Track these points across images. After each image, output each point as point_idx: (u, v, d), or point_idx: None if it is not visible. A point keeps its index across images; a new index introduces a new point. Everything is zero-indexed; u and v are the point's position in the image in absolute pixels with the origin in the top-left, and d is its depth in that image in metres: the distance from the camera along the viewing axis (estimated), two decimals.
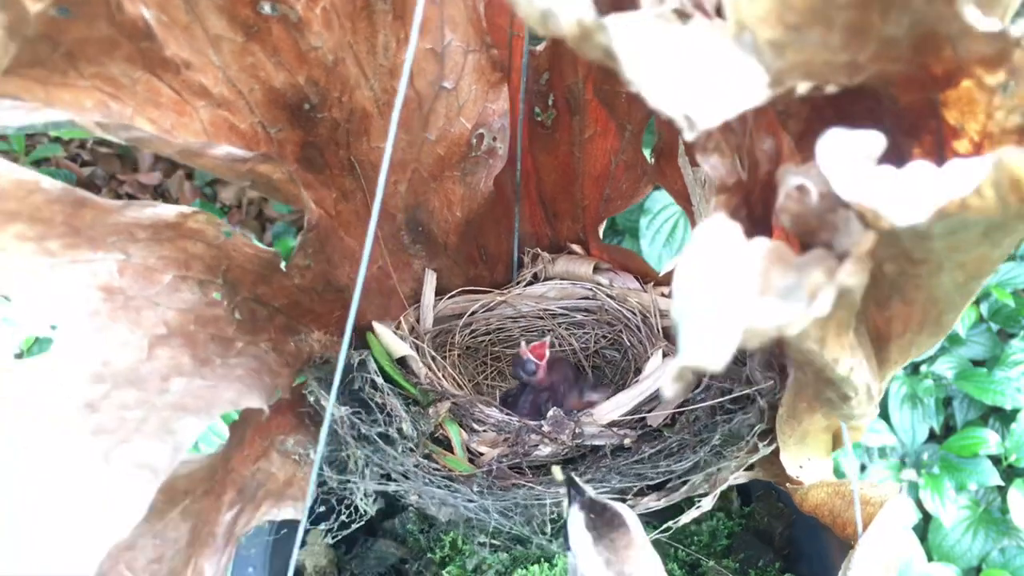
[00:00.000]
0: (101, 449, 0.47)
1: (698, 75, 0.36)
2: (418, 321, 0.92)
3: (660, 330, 0.92)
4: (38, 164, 2.16)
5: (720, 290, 0.32)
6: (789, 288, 0.33)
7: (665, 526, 0.76)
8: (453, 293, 0.95)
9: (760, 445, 0.75)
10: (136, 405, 0.52)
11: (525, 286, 0.99)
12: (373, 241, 0.83)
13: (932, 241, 0.45)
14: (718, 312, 0.31)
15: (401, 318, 0.90)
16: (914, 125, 0.47)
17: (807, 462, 0.79)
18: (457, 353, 0.95)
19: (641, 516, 0.77)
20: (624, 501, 0.74)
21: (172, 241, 0.60)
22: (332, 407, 0.62)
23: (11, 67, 0.47)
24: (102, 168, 2.19)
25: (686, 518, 0.75)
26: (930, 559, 1.42)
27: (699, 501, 0.74)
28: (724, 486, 0.74)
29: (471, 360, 0.99)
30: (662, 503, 0.73)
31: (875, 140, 0.31)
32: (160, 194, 2.19)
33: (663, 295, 0.95)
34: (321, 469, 0.74)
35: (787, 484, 0.77)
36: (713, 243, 0.36)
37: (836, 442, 0.81)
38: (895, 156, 0.53)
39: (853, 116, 0.52)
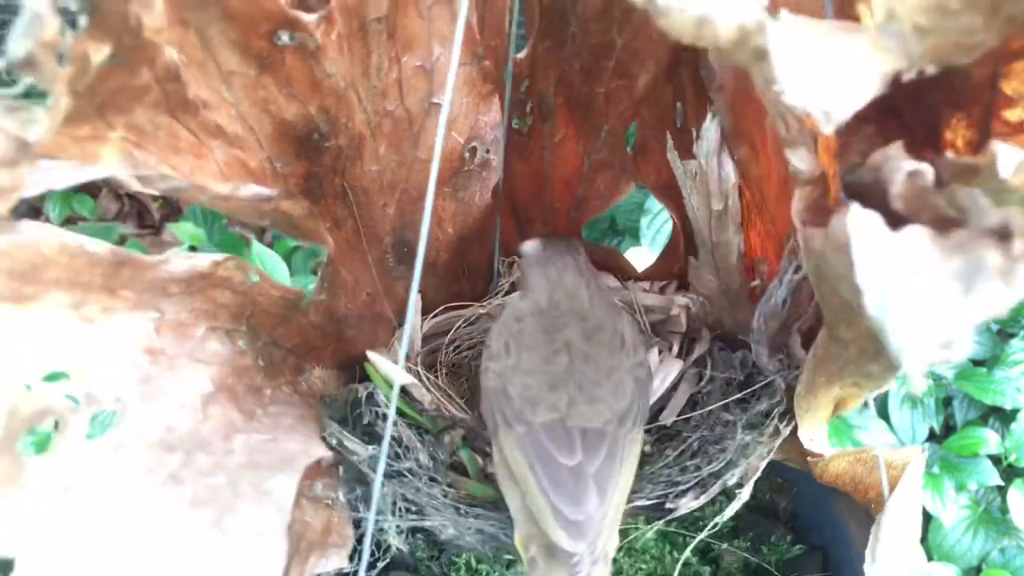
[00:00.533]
0: (207, 521, 0.44)
1: (835, 71, 0.36)
2: (408, 344, 0.90)
3: (648, 327, 0.92)
4: None
5: (918, 282, 0.32)
6: (965, 271, 0.34)
7: (712, 523, 0.76)
8: (437, 311, 0.93)
9: (781, 427, 0.77)
10: (213, 470, 0.49)
11: (504, 296, 0.98)
12: (363, 270, 0.81)
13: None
14: (942, 305, 0.31)
15: (393, 342, 0.88)
16: (969, 98, 0.49)
17: (815, 434, 0.81)
18: (445, 372, 0.94)
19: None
20: (663, 506, 0.75)
21: (202, 292, 0.57)
22: (386, 445, 0.60)
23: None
24: None
25: (729, 512, 0.76)
26: (930, 559, 1.43)
27: (737, 492, 0.75)
28: (757, 474, 0.75)
29: (458, 377, 0.97)
30: (702, 500, 0.74)
31: None
32: (160, 195, 2.07)
33: (644, 291, 0.95)
34: (356, 510, 0.72)
35: (808, 458, 0.79)
36: (872, 235, 0.36)
37: (837, 409, 0.83)
38: (930, 125, 0.55)
39: (894, 95, 0.53)
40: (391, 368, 0.84)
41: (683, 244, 0.91)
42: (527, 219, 0.96)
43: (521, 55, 0.78)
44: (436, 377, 0.90)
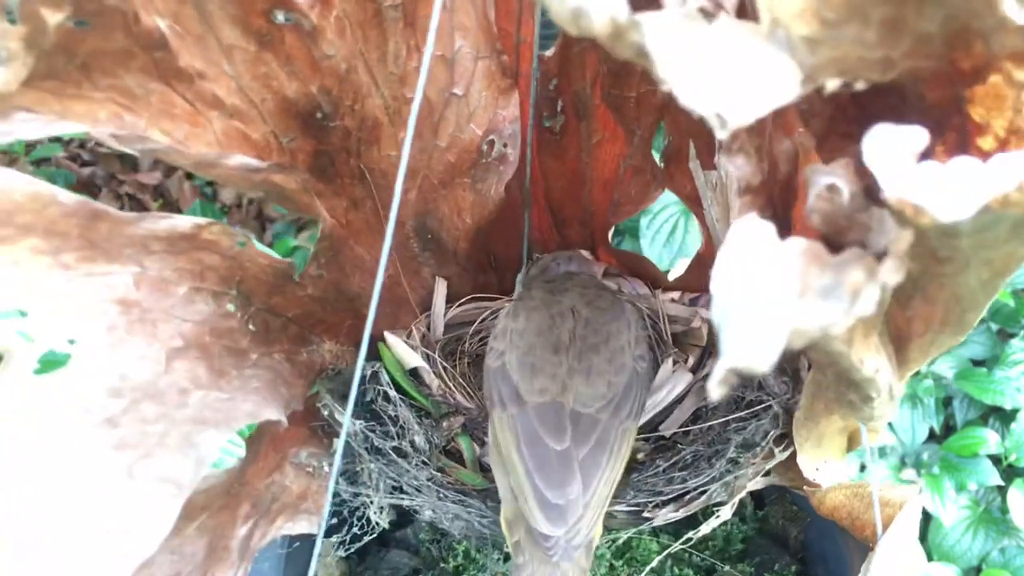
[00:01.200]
0: (124, 464, 0.46)
1: (730, 73, 0.36)
2: (428, 330, 0.92)
3: (670, 336, 0.91)
4: (38, 164, 2.15)
5: (762, 291, 0.32)
6: (828, 288, 0.33)
7: (685, 537, 0.75)
8: (463, 300, 0.95)
9: (776, 450, 0.75)
10: (156, 419, 0.51)
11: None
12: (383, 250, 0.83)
13: (959, 239, 0.45)
14: (762, 313, 0.30)
15: (412, 327, 0.90)
16: (938, 122, 0.47)
17: (823, 464, 0.79)
18: (467, 361, 0.95)
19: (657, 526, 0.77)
20: (640, 514, 0.74)
21: (187, 253, 0.60)
22: (348, 420, 0.61)
23: (26, 79, 0.46)
24: (102, 168, 2.19)
25: (706, 528, 0.74)
26: (930, 559, 1.41)
27: (718, 510, 0.73)
28: (742, 494, 0.74)
29: (480, 368, 0.98)
30: (680, 514, 0.73)
31: (919, 136, 0.31)
32: (160, 194, 2.19)
33: (672, 301, 0.94)
34: (337, 482, 0.74)
35: (804, 487, 0.76)
36: (748, 243, 0.36)
37: (851, 443, 0.80)
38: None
39: (875, 114, 0.51)
40: (406, 350, 0.86)
41: (712, 255, 0.89)
42: (563, 219, 0.96)
43: (549, 53, 0.78)
44: (454, 366, 0.91)
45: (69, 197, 0.51)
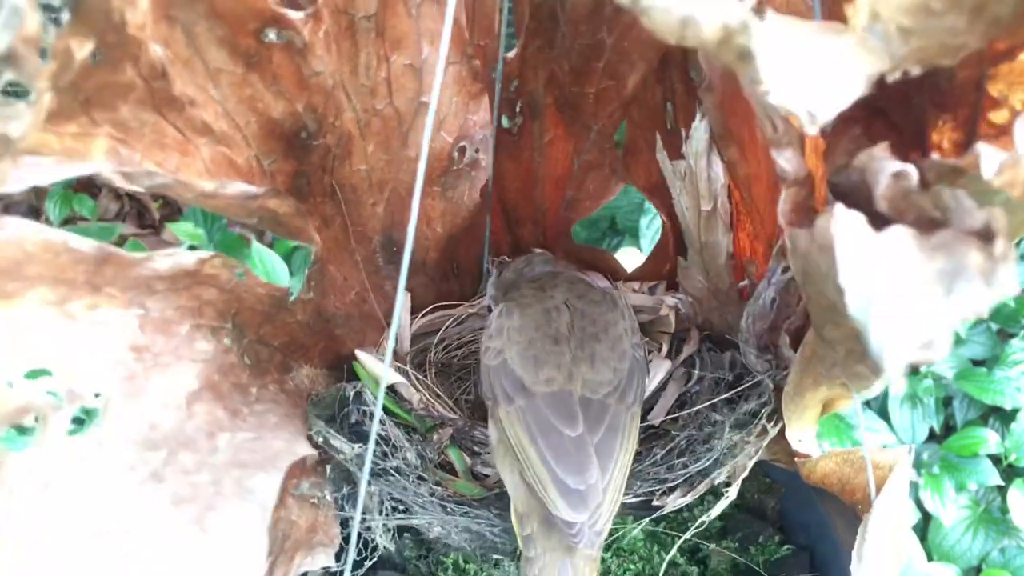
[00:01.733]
0: (189, 519, 0.43)
1: (817, 70, 0.37)
2: (397, 342, 0.90)
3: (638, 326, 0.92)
4: None
5: (901, 282, 0.32)
6: (947, 271, 0.34)
7: (699, 522, 0.77)
8: (426, 311, 0.93)
9: (768, 427, 0.77)
10: (197, 468, 0.49)
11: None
12: (351, 268, 0.81)
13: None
14: (923, 306, 0.31)
15: (381, 342, 0.88)
16: (955, 99, 0.49)
17: (803, 434, 0.81)
18: (434, 371, 0.93)
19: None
20: (650, 503, 0.75)
21: (188, 289, 0.57)
22: (372, 450, 0.59)
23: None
24: None
25: (716, 511, 0.76)
26: (930, 559, 1.43)
27: (725, 491, 0.75)
28: (745, 473, 0.75)
29: (447, 376, 0.97)
30: (689, 498, 0.74)
31: None
32: (160, 195, 2.07)
33: (634, 291, 0.95)
34: (342, 509, 0.72)
35: (795, 459, 0.79)
36: (855, 236, 0.36)
37: (825, 410, 0.83)
38: (917, 127, 0.55)
39: (881, 96, 0.53)
40: (379, 367, 0.84)
41: (673, 244, 0.91)
42: (517, 219, 0.96)
43: (511, 54, 0.77)
44: (425, 376, 0.90)
45: (79, 243, 0.48)
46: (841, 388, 0.74)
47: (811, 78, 0.36)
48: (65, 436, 0.44)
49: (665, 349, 0.88)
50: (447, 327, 0.95)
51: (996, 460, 1.47)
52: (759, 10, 0.42)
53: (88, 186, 1.99)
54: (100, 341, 0.50)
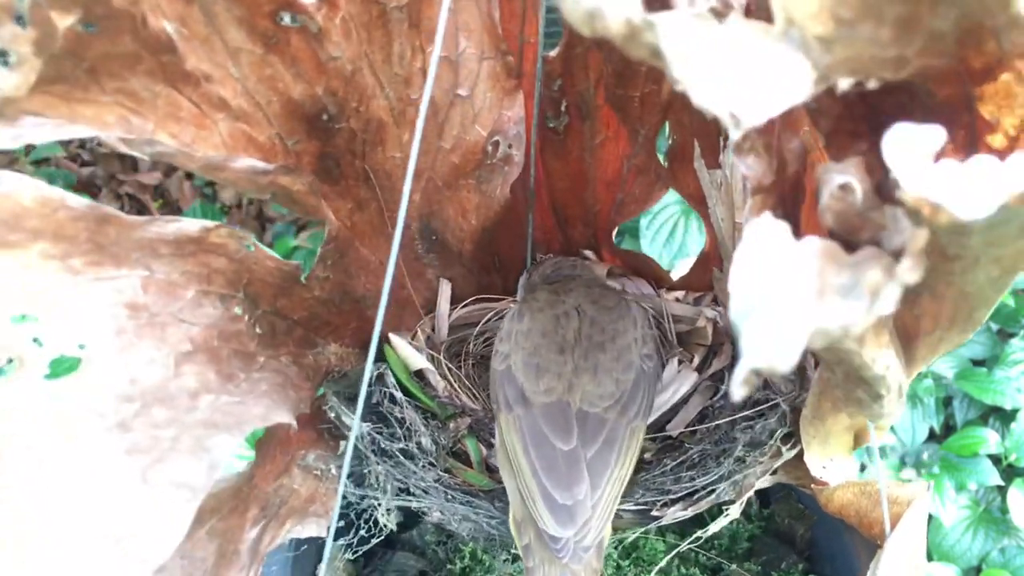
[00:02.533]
0: (138, 468, 0.46)
1: (744, 73, 0.36)
2: (433, 331, 0.92)
3: (674, 336, 0.91)
4: (38, 164, 2.15)
5: (781, 291, 0.32)
6: (847, 287, 0.33)
7: (695, 536, 0.75)
8: (467, 302, 0.95)
9: (783, 449, 0.75)
10: (167, 424, 0.51)
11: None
12: (387, 252, 0.82)
13: (970, 237, 0.45)
14: (783, 314, 0.30)
15: (417, 328, 0.90)
16: (947, 120, 0.47)
17: (830, 462, 0.79)
18: (471, 363, 0.95)
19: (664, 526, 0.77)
20: (649, 513, 0.74)
21: (194, 256, 0.60)
22: (358, 422, 0.61)
23: (35, 84, 0.46)
24: (102, 168, 2.19)
25: (715, 527, 0.74)
26: (930, 559, 1.41)
27: (726, 509, 0.73)
28: (750, 492, 0.74)
29: (485, 369, 0.98)
30: (689, 512, 0.73)
31: (938, 134, 0.31)
32: (160, 194, 2.19)
33: (677, 300, 0.94)
34: (353, 486, 0.74)
35: (812, 485, 0.76)
36: (764, 243, 0.36)
37: (858, 440, 0.80)
38: None
39: (884, 113, 0.51)
40: (410, 352, 0.86)
41: (716, 255, 0.89)
42: (567, 218, 0.96)
43: (553, 53, 0.78)
44: (459, 367, 0.91)
45: (77, 201, 0.51)
46: (860, 416, 0.71)
47: (736, 80, 0.36)
48: (41, 379, 0.48)
49: (697, 361, 0.86)
50: (488, 320, 0.96)
51: (996, 460, 1.47)
52: (721, 11, 0.41)
53: (88, 185, 2.10)
54: (96, 296, 0.53)
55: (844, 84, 0.38)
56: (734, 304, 0.33)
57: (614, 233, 0.96)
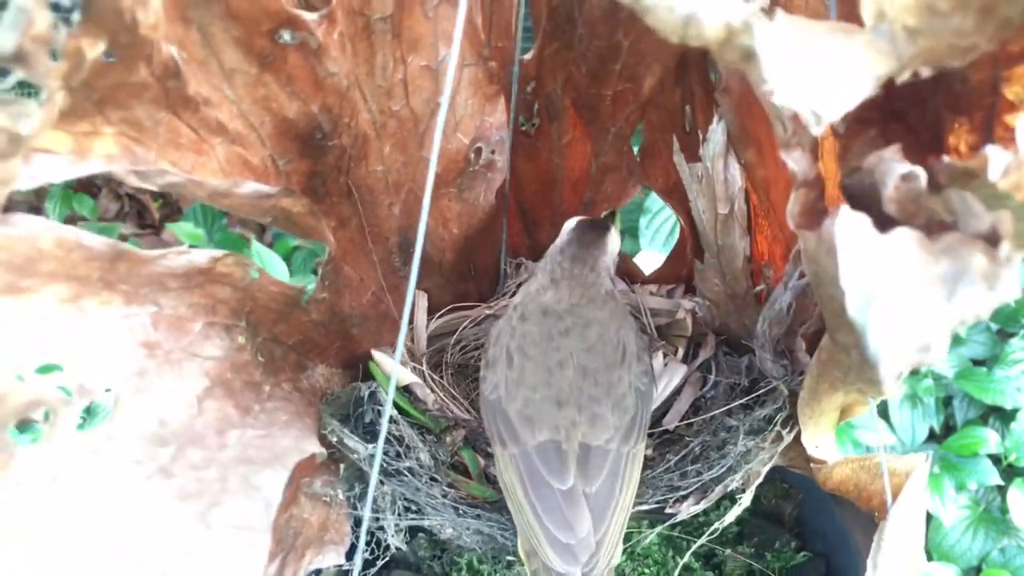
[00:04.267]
0: (194, 514, 0.44)
1: (823, 70, 0.36)
2: (412, 342, 0.90)
3: (654, 330, 0.92)
4: None
5: (904, 286, 0.32)
6: (951, 274, 0.34)
7: (712, 529, 0.76)
8: (443, 311, 0.94)
9: (783, 432, 0.76)
10: (205, 464, 0.49)
11: (511, 297, 0.98)
12: (368, 269, 0.81)
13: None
14: (921, 309, 0.31)
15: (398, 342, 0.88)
16: (970, 102, 0.49)
17: (821, 440, 0.81)
18: (451, 372, 0.94)
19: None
20: (663, 511, 0.75)
21: (201, 287, 0.57)
22: (381, 446, 0.60)
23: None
24: None
25: (730, 517, 0.75)
26: (930, 559, 1.42)
27: (739, 498, 0.75)
28: (759, 479, 0.75)
29: (464, 377, 0.97)
30: (702, 505, 0.74)
31: None
32: (160, 194, 2.10)
33: (651, 294, 0.95)
34: (354, 508, 0.72)
35: (811, 464, 0.78)
36: (859, 238, 0.36)
37: (843, 416, 0.82)
38: (933, 130, 0.55)
39: (898, 99, 0.53)
40: (394, 366, 0.84)
41: (691, 247, 0.91)
42: (535, 220, 0.96)
43: (528, 56, 0.78)
44: (441, 377, 0.90)
45: (93, 240, 0.49)
46: (857, 394, 0.73)
47: (816, 78, 0.36)
48: (74, 431, 0.45)
49: (681, 353, 0.87)
50: (464, 328, 0.95)
51: (996, 460, 1.47)
52: (768, 10, 0.41)
53: (88, 186, 2.02)
54: (112, 337, 0.51)
55: (904, 76, 0.39)
56: (851, 302, 0.33)
57: None
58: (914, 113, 0.53)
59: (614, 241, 0.81)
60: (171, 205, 2.10)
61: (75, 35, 0.39)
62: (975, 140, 0.52)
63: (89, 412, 0.46)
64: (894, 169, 0.41)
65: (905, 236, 0.35)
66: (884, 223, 0.40)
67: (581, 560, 0.65)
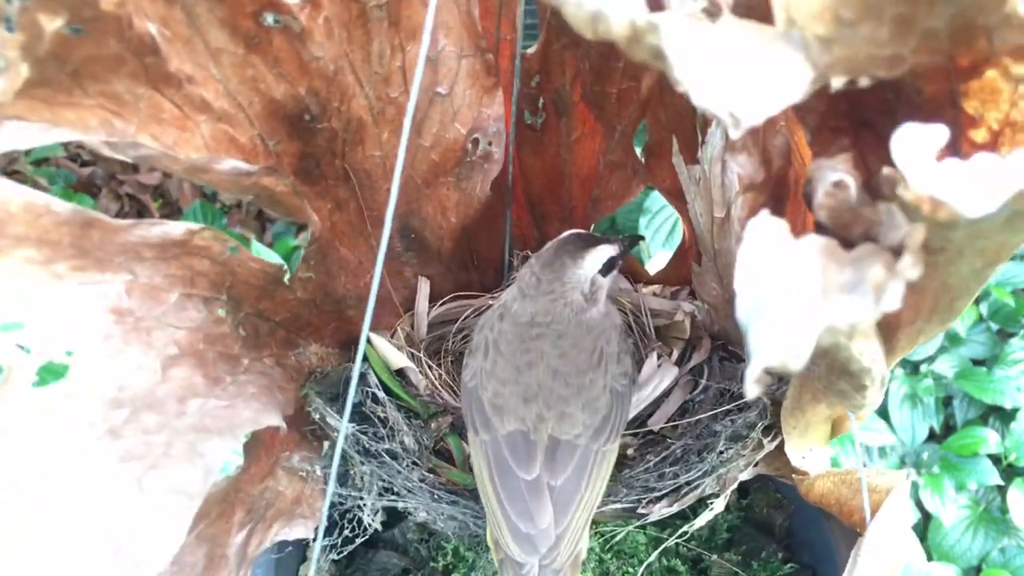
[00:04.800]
0: (132, 476, 0.45)
1: (743, 74, 0.36)
2: (412, 328, 0.91)
3: (652, 330, 0.92)
4: (38, 164, 2.12)
5: (788, 290, 0.32)
6: (850, 284, 0.34)
7: (681, 531, 0.76)
8: (445, 299, 0.95)
9: (764, 441, 0.76)
10: (158, 429, 0.51)
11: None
12: (367, 252, 0.82)
13: (955, 230, 0.45)
14: (793, 313, 0.31)
15: (396, 326, 0.90)
16: (931, 116, 0.48)
17: (809, 452, 0.80)
18: (451, 359, 0.95)
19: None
20: (635, 511, 0.75)
21: (178, 259, 0.59)
22: (346, 422, 0.61)
23: (19, 88, 0.46)
24: (102, 168, 2.16)
25: (701, 521, 0.75)
26: (930, 559, 1.42)
27: (711, 502, 0.74)
28: (734, 486, 0.74)
29: (462, 366, 0.98)
30: (675, 508, 0.74)
31: (942, 134, 0.32)
32: (160, 194, 2.17)
33: (654, 294, 0.95)
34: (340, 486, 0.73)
35: (793, 475, 0.78)
36: (765, 241, 0.36)
37: (835, 430, 0.81)
38: None
39: (867, 109, 0.52)
40: (391, 351, 0.85)
41: (694, 249, 0.90)
42: (544, 215, 0.96)
43: (531, 50, 0.78)
44: (439, 364, 0.91)
45: (62, 206, 0.50)
46: (839, 407, 0.72)
47: (736, 81, 0.36)
48: (30, 388, 0.47)
49: (676, 355, 0.87)
50: (466, 317, 0.96)
51: (996, 460, 1.48)
52: (713, 11, 0.41)
53: (88, 185, 2.08)
54: (81, 302, 0.52)
55: (838, 83, 0.39)
56: (741, 303, 0.33)
57: (592, 229, 0.96)
58: (884, 123, 0.52)
59: (597, 257, 0.79)
60: (171, 205, 2.15)
61: (29, 8, 0.40)
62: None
63: (50, 372, 0.48)
64: (826, 176, 0.40)
65: (811, 243, 0.35)
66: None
67: (540, 551, 0.65)
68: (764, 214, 0.38)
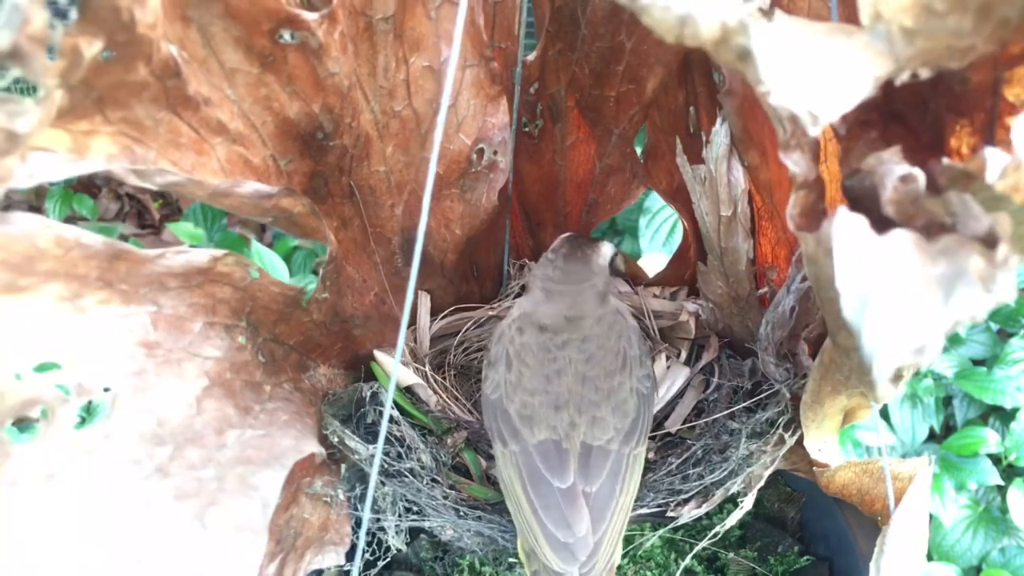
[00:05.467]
0: (190, 514, 0.44)
1: (819, 71, 0.36)
2: (416, 343, 0.90)
3: (657, 332, 0.92)
4: None
5: (893, 286, 0.32)
6: (948, 276, 0.33)
7: (713, 532, 0.76)
8: (446, 312, 0.93)
9: (786, 436, 0.76)
10: (203, 464, 0.49)
11: (514, 298, 0.97)
12: (370, 269, 0.81)
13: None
14: (913, 308, 0.30)
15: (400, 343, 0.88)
16: (970, 104, 0.49)
17: (824, 444, 0.80)
18: (454, 373, 0.93)
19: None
20: (665, 514, 0.74)
21: (201, 287, 0.57)
22: (381, 445, 0.60)
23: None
24: None
25: (732, 520, 0.75)
26: (930, 559, 1.42)
27: (741, 500, 0.74)
28: (761, 483, 0.74)
29: (466, 379, 0.97)
30: (704, 509, 0.73)
31: None
32: (160, 194, 2.11)
33: (655, 296, 0.95)
34: (355, 508, 0.72)
35: (814, 468, 0.78)
36: (855, 239, 0.36)
37: (846, 420, 0.82)
38: (934, 131, 0.55)
39: (897, 101, 0.53)
40: (397, 367, 0.84)
41: (694, 249, 0.90)
42: (538, 222, 0.96)
43: (531, 57, 0.77)
44: (444, 378, 0.90)
45: (93, 239, 0.48)
46: (860, 397, 0.73)
47: (813, 79, 0.36)
48: (72, 429, 0.45)
49: (684, 355, 0.87)
50: (467, 329, 0.95)
51: (996, 460, 1.47)
52: (767, 11, 0.41)
53: (88, 186, 2.03)
54: (111, 337, 0.51)
55: (903, 77, 0.39)
56: (846, 303, 0.33)
57: (592, 233, 0.96)
58: (915, 115, 0.53)
59: (608, 249, 0.80)
60: (171, 205, 2.11)
61: (72, 33, 0.39)
62: (976, 142, 0.52)
63: (88, 411, 0.46)
64: (893, 171, 0.40)
65: (902, 237, 0.35)
66: (884, 225, 0.39)
67: (579, 559, 0.64)
68: (844, 211, 0.38)
